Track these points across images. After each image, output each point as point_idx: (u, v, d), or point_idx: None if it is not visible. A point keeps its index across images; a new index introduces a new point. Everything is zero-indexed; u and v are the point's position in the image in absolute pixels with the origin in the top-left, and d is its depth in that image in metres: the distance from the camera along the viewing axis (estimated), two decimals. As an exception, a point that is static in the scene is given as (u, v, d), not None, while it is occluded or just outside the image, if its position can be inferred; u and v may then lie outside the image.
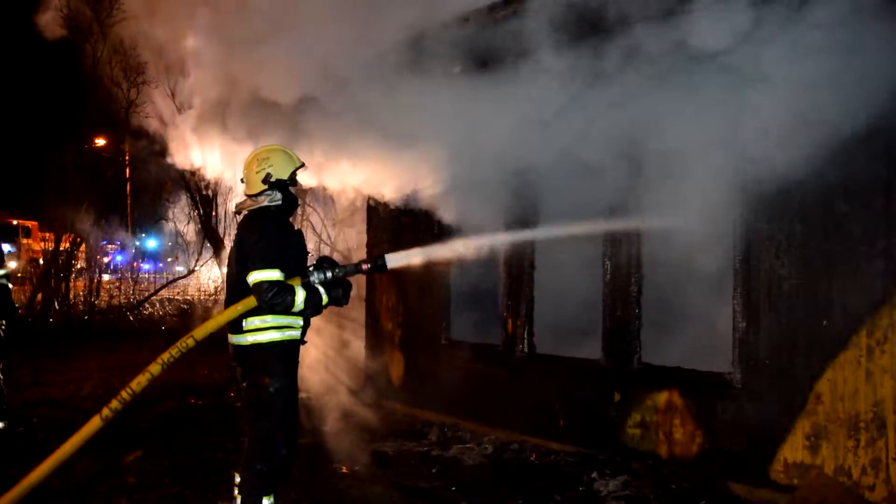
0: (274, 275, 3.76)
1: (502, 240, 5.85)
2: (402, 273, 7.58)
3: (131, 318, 14.98)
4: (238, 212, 4.20)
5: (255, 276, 3.75)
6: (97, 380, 9.08)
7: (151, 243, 24.32)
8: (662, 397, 5.28)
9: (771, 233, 4.75)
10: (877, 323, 4.25)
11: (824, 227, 4.51)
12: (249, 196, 4.07)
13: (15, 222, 24.50)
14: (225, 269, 14.80)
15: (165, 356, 3.80)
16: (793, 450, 4.58)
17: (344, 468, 5.57)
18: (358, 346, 8.47)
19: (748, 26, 4.14)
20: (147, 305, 16.70)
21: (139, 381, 3.76)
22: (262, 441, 3.89)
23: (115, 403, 3.73)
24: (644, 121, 5.00)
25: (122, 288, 17.55)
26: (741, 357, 4.83)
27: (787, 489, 4.55)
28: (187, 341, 3.83)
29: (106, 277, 17.37)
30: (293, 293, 3.80)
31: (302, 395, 7.78)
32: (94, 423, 3.72)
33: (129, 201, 20.30)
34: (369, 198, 7.41)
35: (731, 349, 4.91)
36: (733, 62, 4.40)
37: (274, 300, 3.74)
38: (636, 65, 4.63)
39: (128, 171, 16.83)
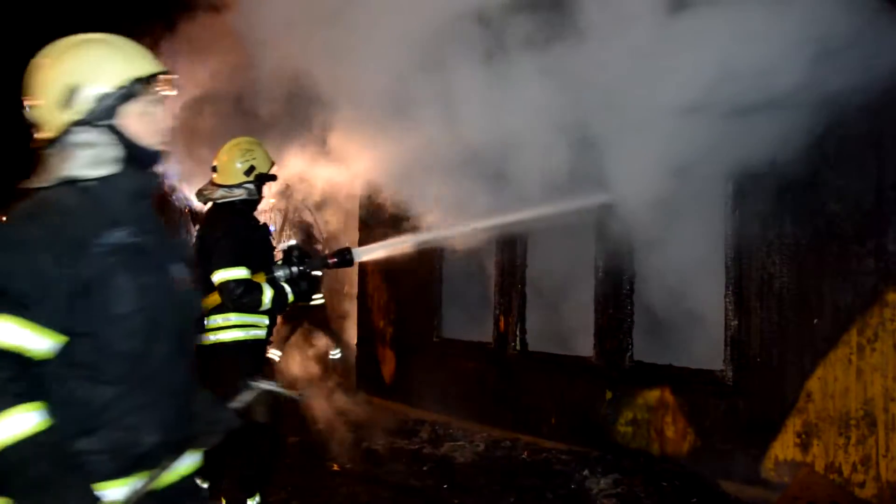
0: (240, 273, 3.63)
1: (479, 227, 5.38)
2: (394, 271, 7.57)
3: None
4: (205, 200, 4.01)
5: (220, 275, 3.62)
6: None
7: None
8: (654, 395, 5.29)
9: (762, 232, 4.76)
10: (867, 321, 4.26)
11: (815, 226, 4.53)
12: (223, 185, 3.90)
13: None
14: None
15: None
16: (784, 447, 4.59)
17: (335, 466, 5.55)
18: (350, 343, 8.45)
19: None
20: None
21: None
22: (245, 446, 3.80)
23: None
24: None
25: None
26: (733, 355, 4.84)
27: (778, 487, 4.56)
28: None
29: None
30: (261, 291, 3.66)
31: (294, 393, 7.75)
32: None
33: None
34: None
35: (722, 347, 4.92)
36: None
37: (242, 299, 3.61)
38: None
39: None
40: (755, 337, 4.76)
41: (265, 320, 3.86)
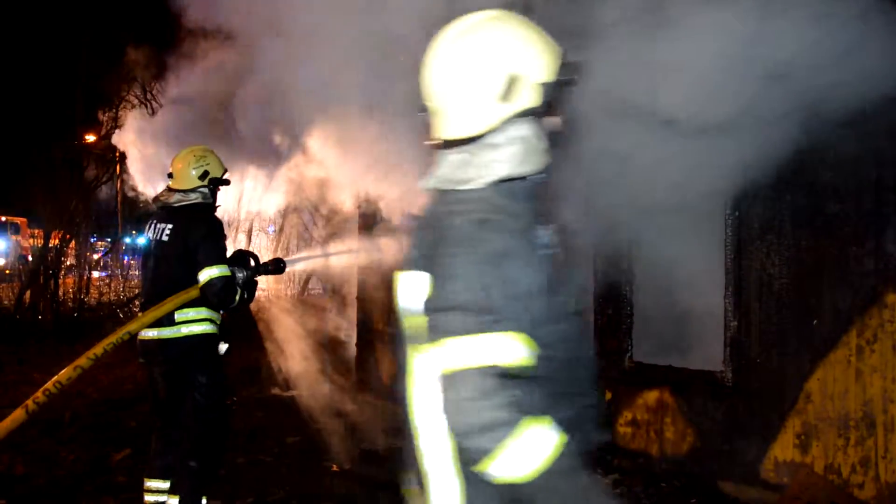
0: (226, 271, 3.88)
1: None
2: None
3: (121, 316, 14.89)
4: (163, 206, 4.17)
5: (211, 272, 3.81)
6: (86, 376, 9.00)
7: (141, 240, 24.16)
8: (653, 396, 5.29)
9: (762, 232, 4.76)
10: (867, 322, 4.26)
11: (815, 227, 4.52)
12: (179, 190, 4.09)
13: (3, 218, 24.33)
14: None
15: (98, 350, 3.76)
16: (783, 448, 4.59)
17: (334, 466, 5.55)
18: (349, 344, 8.44)
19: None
20: (137, 303, 16.61)
21: (69, 376, 3.70)
22: (200, 438, 3.93)
23: (41, 397, 3.60)
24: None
25: (112, 285, 17.40)
26: (732, 356, 4.84)
27: (777, 488, 4.56)
28: (122, 335, 3.82)
29: (96, 274, 17.22)
30: (236, 291, 3.94)
31: (292, 393, 7.78)
32: (19, 416, 3.60)
33: (119, 198, 20.19)
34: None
35: (721, 348, 4.92)
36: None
37: (223, 296, 3.84)
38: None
39: (118, 168, 16.74)
40: (754, 338, 4.76)
41: (219, 316, 4.10)
